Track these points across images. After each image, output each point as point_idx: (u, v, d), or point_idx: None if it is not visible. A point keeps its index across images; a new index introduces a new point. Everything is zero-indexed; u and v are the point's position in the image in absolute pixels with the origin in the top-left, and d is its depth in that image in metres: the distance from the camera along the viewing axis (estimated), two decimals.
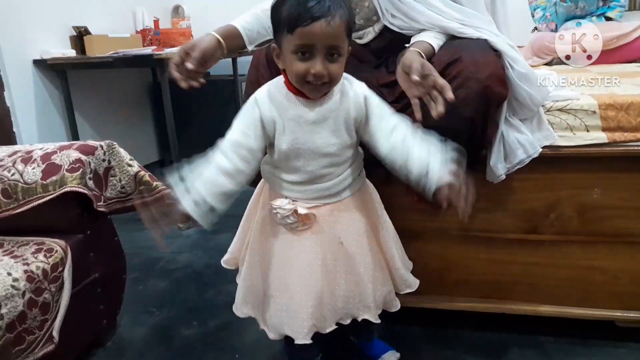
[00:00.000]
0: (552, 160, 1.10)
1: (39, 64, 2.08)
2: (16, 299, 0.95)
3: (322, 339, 0.97)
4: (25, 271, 1.00)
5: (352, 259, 0.94)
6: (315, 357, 1.09)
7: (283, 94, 0.87)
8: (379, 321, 0.99)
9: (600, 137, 1.07)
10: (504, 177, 1.07)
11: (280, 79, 0.89)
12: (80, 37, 2.23)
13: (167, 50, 2.28)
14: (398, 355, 1.15)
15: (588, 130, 1.08)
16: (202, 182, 0.84)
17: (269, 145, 0.92)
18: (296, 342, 0.92)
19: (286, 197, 0.92)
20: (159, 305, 1.51)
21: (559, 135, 1.09)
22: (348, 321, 0.97)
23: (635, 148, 1.07)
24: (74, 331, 1.13)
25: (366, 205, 0.98)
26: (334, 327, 0.96)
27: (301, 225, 0.92)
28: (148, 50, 2.25)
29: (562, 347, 1.20)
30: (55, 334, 1.04)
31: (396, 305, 1.04)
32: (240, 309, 1.03)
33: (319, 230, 0.93)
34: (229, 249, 1.10)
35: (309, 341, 0.92)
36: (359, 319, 0.97)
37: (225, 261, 1.10)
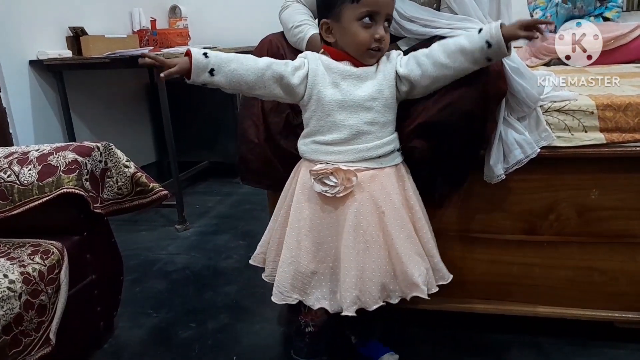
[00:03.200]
0: (550, 161, 1.10)
1: (36, 64, 2.07)
2: (12, 301, 0.95)
3: (328, 339, 0.95)
4: (22, 273, 0.99)
5: (390, 232, 0.93)
6: (322, 355, 1.07)
7: (329, 58, 0.95)
8: (428, 298, 0.95)
9: (598, 137, 1.07)
10: (504, 177, 1.07)
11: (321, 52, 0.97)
12: (76, 37, 2.22)
13: (164, 51, 2.28)
14: (397, 356, 1.15)
15: (586, 131, 1.08)
16: (222, 54, 0.94)
17: (306, 107, 0.96)
18: (343, 313, 0.91)
19: (327, 163, 0.93)
20: (157, 307, 1.50)
21: (557, 136, 1.09)
22: (396, 300, 0.94)
23: (634, 149, 1.07)
24: (71, 333, 1.12)
25: (404, 185, 0.98)
26: (380, 304, 0.93)
27: (343, 188, 0.90)
28: (145, 50, 2.24)
29: (561, 348, 1.19)
30: (52, 336, 1.04)
31: (447, 277, 1.01)
32: (290, 295, 0.96)
33: (362, 197, 0.92)
34: (259, 244, 1.07)
35: (352, 314, 0.90)
36: (408, 298, 0.95)
37: (254, 258, 1.08)
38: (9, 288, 0.95)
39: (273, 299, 0.98)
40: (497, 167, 1.07)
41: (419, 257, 0.96)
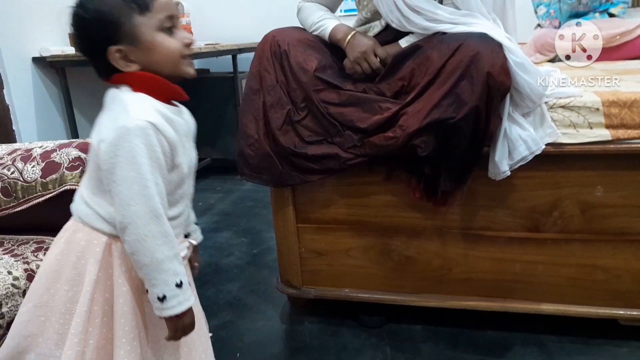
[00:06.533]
0: (554, 158, 1.09)
1: (38, 61, 2.07)
2: (16, 297, 0.95)
3: None
4: (26, 270, 0.99)
5: None
6: None
7: (165, 108, 0.70)
8: None
9: (604, 134, 1.07)
10: (508, 173, 1.07)
11: (141, 97, 0.69)
12: None
13: None
14: None
15: (591, 128, 1.07)
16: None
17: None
18: None
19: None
20: None
21: (562, 133, 1.08)
22: None
23: (639, 145, 1.06)
24: None
25: None
26: None
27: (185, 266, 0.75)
28: None
29: (564, 345, 1.19)
30: None
31: None
32: None
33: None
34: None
35: None
36: None
37: None
38: (13, 285, 0.95)
39: None
40: (502, 164, 1.06)
41: None
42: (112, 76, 0.70)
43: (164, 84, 0.70)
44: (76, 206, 0.75)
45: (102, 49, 0.67)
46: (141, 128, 0.64)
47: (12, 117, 1.97)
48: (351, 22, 1.27)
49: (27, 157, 1.14)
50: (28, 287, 0.98)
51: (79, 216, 0.73)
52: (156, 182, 0.65)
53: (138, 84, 0.69)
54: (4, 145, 1.23)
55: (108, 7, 0.66)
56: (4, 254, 1.04)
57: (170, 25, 0.70)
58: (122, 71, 0.69)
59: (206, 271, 1.70)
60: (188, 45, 0.72)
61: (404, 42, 1.13)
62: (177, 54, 0.71)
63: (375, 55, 1.11)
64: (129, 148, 0.64)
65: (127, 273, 0.70)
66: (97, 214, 0.71)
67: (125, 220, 0.65)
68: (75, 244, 0.72)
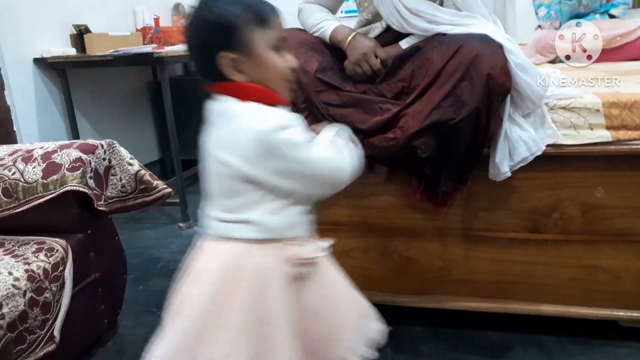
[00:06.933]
0: (555, 159, 1.09)
1: (39, 62, 2.08)
2: (17, 298, 0.95)
3: None
4: (26, 270, 0.99)
5: None
6: None
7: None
8: None
9: (604, 135, 1.07)
10: (509, 174, 1.07)
11: (255, 104, 0.69)
12: (80, 35, 2.22)
13: (168, 49, 2.28)
14: None
15: (592, 129, 1.07)
16: None
17: None
18: None
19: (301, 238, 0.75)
20: (160, 305, 1.49)
21: (563, 134, 1.08)
22: None
23: (639, 147, 1.06)
24: (75, 331, 1.12)
25: None
26: None
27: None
28: (148, 48, 2.24)
29: (564, 346, 1.19)
30: (56, 333, 1.04)
31: None
32: None
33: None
34: None
35: None
36: None
37: None
38: (13, 285, 0.95)
39: None
40: (503, 165, 1.06)
41: None
42: (216, 83, 0.70)
43: (271, 93, 0.71)
44: (215, 229, 0.74)
45: (214, 52, 0.68)
46: (279, 125, 0.67)
47: (13, 118, 1.98)
48: (352, 23, 1.27)
49: (28, 158, 1.14)
50: (29, 288, 0.98)
51: (223, 235, 0.73)
52: (318, 152, 0.71)
53: (247, 94, 0.69)
54: (4, 146, 1.23)
55: (231, 14, 0.67)
56: (4, 254, 1.04)
57: (279, 46, 0.71)
58: (229, 79, 0.69)
59: None
60: (292, 69, 0.73)
61: (404, 44, 1.13)
62: (284, 74, 0.72)
63: (376, 57, 1.12)
64: (281, 144, 0.67)
65: (279, 279, 0.70)
66: (247, 222, 0.70)
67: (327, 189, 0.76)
68: (226, 260, 0.72)
